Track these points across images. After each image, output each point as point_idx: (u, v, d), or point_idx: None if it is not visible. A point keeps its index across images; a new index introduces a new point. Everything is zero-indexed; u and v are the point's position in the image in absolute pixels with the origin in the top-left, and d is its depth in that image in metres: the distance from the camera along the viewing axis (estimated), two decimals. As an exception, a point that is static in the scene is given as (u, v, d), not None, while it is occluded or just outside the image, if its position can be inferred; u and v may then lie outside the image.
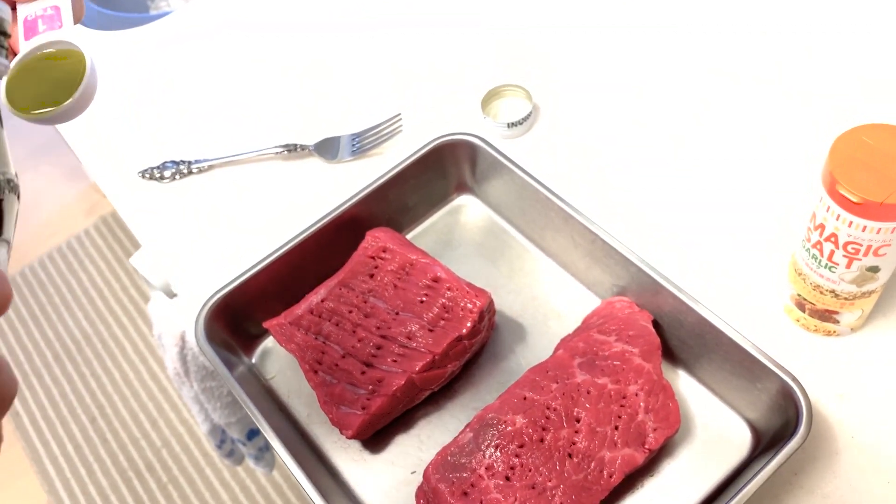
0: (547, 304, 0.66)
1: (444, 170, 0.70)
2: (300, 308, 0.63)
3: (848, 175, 0.50)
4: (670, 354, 0.61)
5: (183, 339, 0.99)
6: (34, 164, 2.05)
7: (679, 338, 0.60)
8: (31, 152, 2.06)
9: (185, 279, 0.73)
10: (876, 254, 0.52)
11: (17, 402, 1.65)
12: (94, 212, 1.94)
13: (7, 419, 1.64)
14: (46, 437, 1.61)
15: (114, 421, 1.62)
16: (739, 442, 0.57)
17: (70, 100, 0.38)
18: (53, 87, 0.39)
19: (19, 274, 1.85)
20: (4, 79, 0.39)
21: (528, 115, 0.74)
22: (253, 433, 1.15)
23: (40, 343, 1.73)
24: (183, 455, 1.57)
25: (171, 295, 0.94)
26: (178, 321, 0.96)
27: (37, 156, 2.05)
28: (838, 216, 0.51)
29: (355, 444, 0.61)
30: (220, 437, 1.21)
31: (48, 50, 0.40)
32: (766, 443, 0.56)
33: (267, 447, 1.18)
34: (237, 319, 0.64)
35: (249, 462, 1.19)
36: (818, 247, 0.55)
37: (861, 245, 0.52)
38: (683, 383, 0.60)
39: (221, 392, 1.09)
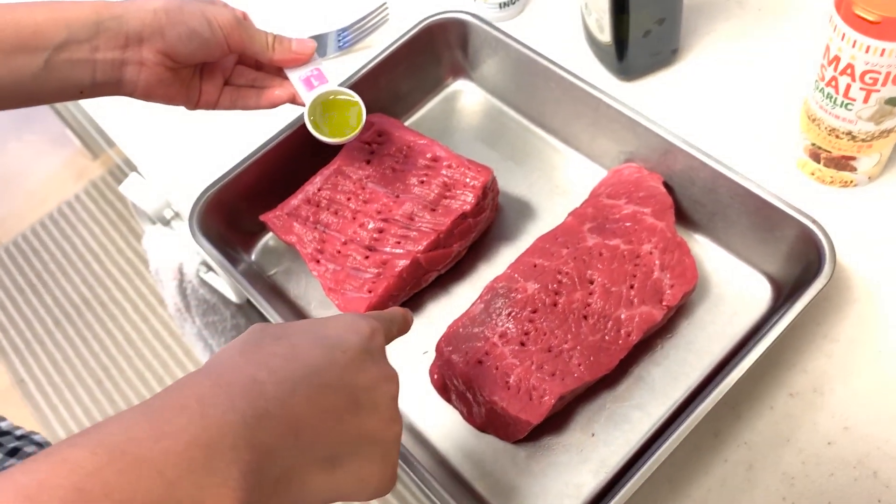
0: (552, 180, 0.64)
1: (436, 53, 0.67)
2: (296, 198, 0.61)
3: (863, -6, 0.47)
4: (684, 217, 0.59)
5: (181, 272, 0.96)
6: (17, 134, 2.01)
7: (691, 197, 0.58)
8: (13, 121, 2.02)
9: (177, 188, 0.70)
10: (895, 82, 0.50)
11: (21, 370, 1.64)
12: (83, 176, 1.91)
13: (13, 387, 1.63)
14: (54, 401, 1.60)
15: (120, 382, 1.61)
16: (759, 297, 0.55)
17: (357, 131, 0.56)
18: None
19: (12, 243, 1.82)
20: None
21: (521, -8, 0.71)
22: (260, 368, 1.13)
23: (39, 310, 1.71)
24: (192, 410, 1.56)
25: (166, 222, 0.92)
26: (174, 252, 0.94)
27: (19, 125, 2.02)
28: (854, 42, 0.49)
29: (363, 332, 0.59)
30: (227, 376, 1.20)
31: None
32: (786, 294, 0.54)
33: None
34: (233, 215, 0.62)
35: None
36: (833, 83, 0.52)
37: (879, 73, 0.49)
38: (698, 245, 0.58)
39: (225, 326, 1.07)
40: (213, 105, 0.55)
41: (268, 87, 0.56)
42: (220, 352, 0.34)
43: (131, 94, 0.51)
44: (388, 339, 0.40)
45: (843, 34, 0.49)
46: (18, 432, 0.52)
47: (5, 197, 1.91)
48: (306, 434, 0.32)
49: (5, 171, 1.95)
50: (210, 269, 0.93)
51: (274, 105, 0.57)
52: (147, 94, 0.51)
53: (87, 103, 0.78)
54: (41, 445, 0.53)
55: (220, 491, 0.28)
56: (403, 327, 0.43)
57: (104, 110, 0.77)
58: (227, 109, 0.56)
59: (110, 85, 0.50)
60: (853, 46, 0.49)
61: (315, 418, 0.32)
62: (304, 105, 0.56)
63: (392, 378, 0.37)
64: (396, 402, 0.37)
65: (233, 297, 0.95)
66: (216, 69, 0.55)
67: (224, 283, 0.92)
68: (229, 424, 0.29)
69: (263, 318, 1.10)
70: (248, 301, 1.01)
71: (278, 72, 0.57)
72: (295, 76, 0.56)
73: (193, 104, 0.55)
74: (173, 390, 0.30)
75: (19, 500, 0.24)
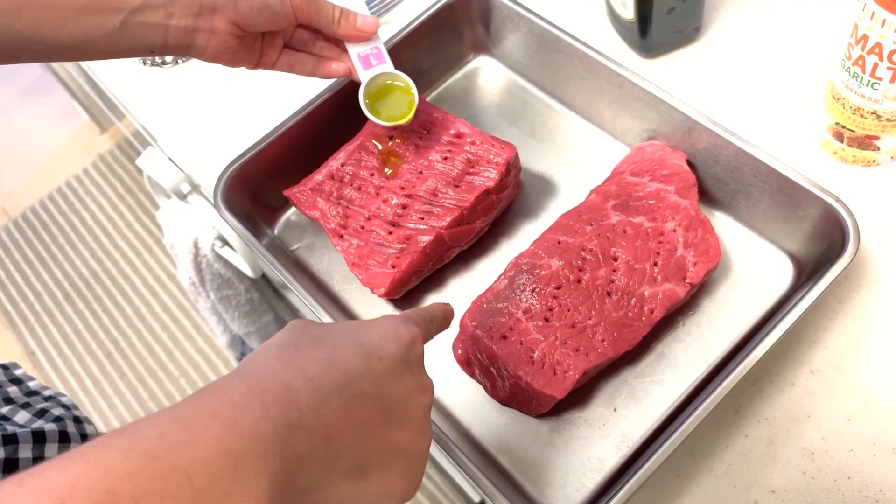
0: (574, 158, 0.64)
1: (457, 29, 0.67)
2: (320, 174, 0.61)
3: (895, -27, 0.47)
4: (706, 195, 0.59)
5: (196, 246, 0.97)
6: (24, 107, 2.00)
7: (714, 176, 0.58)
8: (19, 94, 2.01)
9: (196, 163, 0.70)
10: (923, 62, 0.50)
11: (32, 343, 1.65)
12: (91, 150, 1.91)
13: (24, 359, 1.65)
14: (64, 374, 1.61)
15: (129, 355, 1.62)
16: (781, 275, 0.56)
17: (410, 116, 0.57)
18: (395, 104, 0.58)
19: (21, 217, 1.83)
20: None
21: (542, -31, 0.71)
22: (273, 343, 1.13)
23: (49, 283, 1.72)
24: (201, 383, 1.57)
25: (182, 197, 0.92)
26: (190, 227, 0.94)
27: (26, 97, 2.01)
28: (884, 21, 0.48)
29: (388, 306, 0.60)
30: (241, 350, 1.21)
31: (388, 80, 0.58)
32: (808, 273, 0.54)
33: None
34: (256, 190, 0.62)
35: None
36: (860, 63, 0.52)
37: (907, 52, 0.49)
38: (721, 223, 0.59)
39: (239, 301, 1.07)
40: (272, 66, 0.57)
41: (326, 57, 0.58)
42: (257, 351, 0.34)
43: (199, 57, 0.53)
44: (427, 339, 0.40)
45: (873, 13, 0.49)
46: (46, 392, 0.53)
47: (14, 170, 1.91)
48: (336, 444, 0.32)
49: (13, 145, 1.95)
50: (225, 243, 0.94)
51: (329, 77, 0.58)
52: (214, 58, 0.53)
53: (103, 80, 0.78)
54: (67, 408, 0.54)
55: (246, 500, 0.28)
56: (443, 324, 0.43)
57: (121, 85, 0.77)
58: (284, 72, 0.58)
59: (180, 48, 0.51)
60: (882, 25, 0.49)
61: (346, 428, 0.32)
62: (358, 81, 0.57)
63: (427, 389, 0.37)
64: (429, 413, 0.37)
65: (248, 272, 0.96)
66: (277, 33, 0.56)
67: (239, 258, 0.93)
68: (261, 434, 0.29)
69: (278, 293, 1.10)
70: (263, 275, 1.01)
71: (337, 42, 0.58)
72: (354, 52, 0.57)
73: (254, 64, 0.56)
74: (208, 393, 0.30)
75: (52, 500, 0.25)
